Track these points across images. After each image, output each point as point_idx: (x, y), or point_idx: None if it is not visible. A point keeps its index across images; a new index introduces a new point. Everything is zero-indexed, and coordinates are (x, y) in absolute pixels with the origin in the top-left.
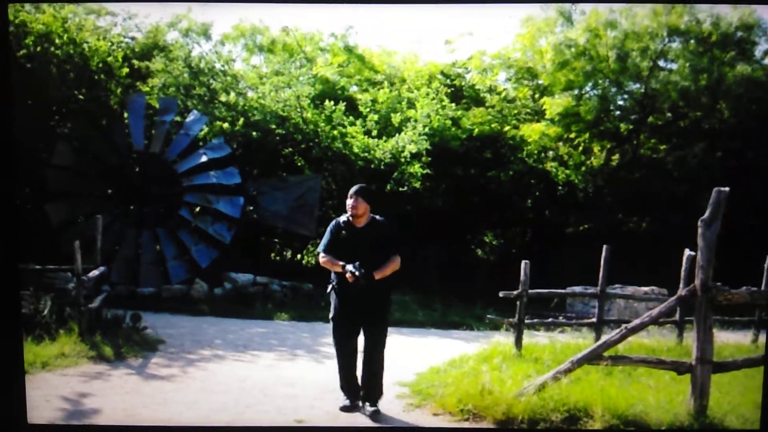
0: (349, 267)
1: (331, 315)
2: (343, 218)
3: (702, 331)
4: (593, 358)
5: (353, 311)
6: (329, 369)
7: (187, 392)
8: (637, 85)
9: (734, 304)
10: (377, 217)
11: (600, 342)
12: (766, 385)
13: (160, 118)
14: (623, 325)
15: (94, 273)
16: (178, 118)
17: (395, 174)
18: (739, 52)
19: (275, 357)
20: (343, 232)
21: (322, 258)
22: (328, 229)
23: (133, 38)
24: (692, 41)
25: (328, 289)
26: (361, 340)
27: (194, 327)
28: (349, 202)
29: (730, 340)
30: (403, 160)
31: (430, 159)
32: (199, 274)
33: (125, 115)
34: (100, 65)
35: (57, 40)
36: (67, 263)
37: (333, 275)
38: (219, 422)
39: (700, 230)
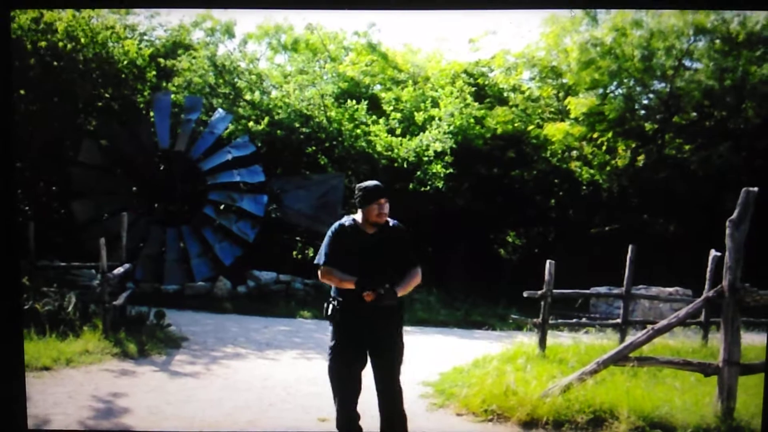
0: (369, 284)
1: (331, 344)
2: (347, 221)
3: (729, 332)
4: (619, 359)
5: (363, 337)
6: None
7: (210, 390)
8: (663, 85)
9: (761, 306)
10: (390, 220)
11: (626, 343)
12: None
13: (185, 116)
14: (650, 326)
15: (119, 270)
16: (203, 117)
17: (418, 173)
18: (766, 50)
19: (298, 355)
20: (349, 239)
21: (325, 272)
22: (328, 235)
23: (158, 37)
24: (718, 40)
25: (329, 311)
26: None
27: (217, 324)
28: (377, 207)
29: (755, 342)
30: (426, 159)
31: (453, 158)
32: (222, 272)
33: (151, 113)
34: (128, 65)
35: (83, 39)
36: (92, 260)
37: (334, 292)
38: (242, 420)
39: (728, 231)
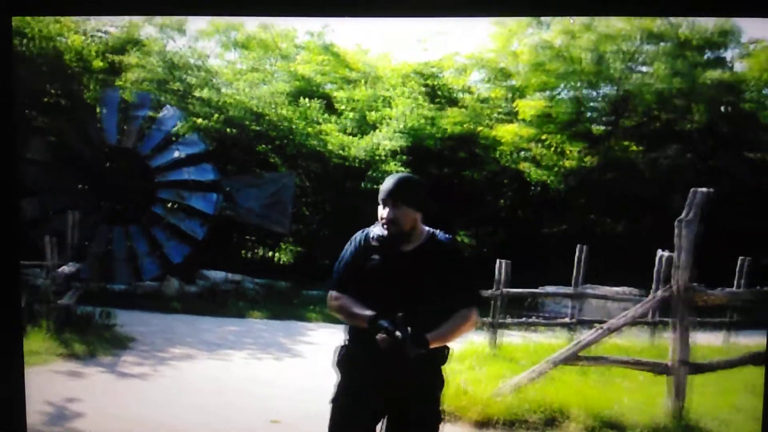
0: (384, 323)
1: (333, 396)
2: (375, 231)
3: (680, 332)
4: (570, 358)
5: (381, 396)
6: (305, 369)
7: (159, 391)
8: (611, 88)
9: (710, 305)
10: (437, 233)
11: (577, 342)
12: None
13: (133, 112)
14: (600, 325)
15: (65, 269)
16: (152, 113)
17: (370, 172)
18: (713, 55)
19: (249, 356)
20: (375, 256)
21: (334, 300)
22: (346, 248)
23: (107, 32)
24: (667, 44)
25: (339, 356)
26: None
27: (166, 324)
28: (383, 211)
29: (701, 341)
30: (378, 158)
31: (405, 157)
32: (171, 271)
33: (98, 109)
34: (75, 59)
35: (29, 33)
36: (38, 259)
37: (347, 332)
38: (193, 422)
39: (677, 231)
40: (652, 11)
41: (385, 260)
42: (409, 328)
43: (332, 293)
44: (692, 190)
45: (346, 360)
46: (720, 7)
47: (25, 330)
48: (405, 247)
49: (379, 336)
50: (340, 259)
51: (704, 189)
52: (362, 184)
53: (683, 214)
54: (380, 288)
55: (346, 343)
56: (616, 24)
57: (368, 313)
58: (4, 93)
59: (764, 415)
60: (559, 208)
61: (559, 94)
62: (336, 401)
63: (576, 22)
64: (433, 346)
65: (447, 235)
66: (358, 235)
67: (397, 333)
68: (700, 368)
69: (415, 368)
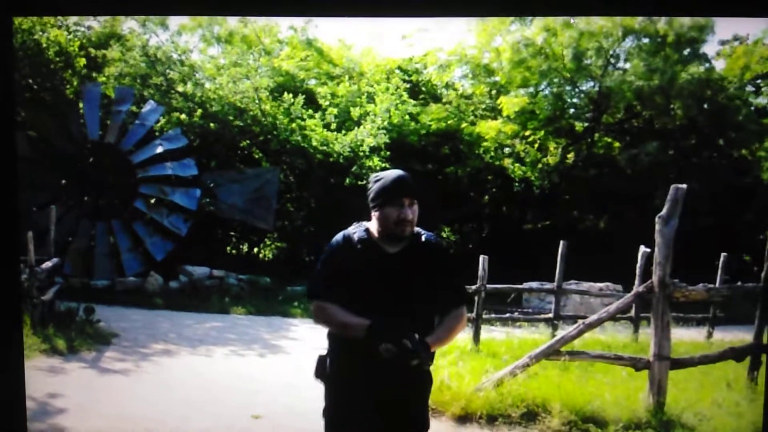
0: (386, 333)
1: (325, 409)
2: (357, 233)
3: (659, 327)
4: (551, 353)
5: (375, 406)
6: (288, 365)
7: (141, 387)
8: (591, 84)
9: (690, 301)
10: (423, 232)
11: (557, 337)
12: None
13: (115, 107)
14: (580, 321)
15: (47, 264)
16: (134, 108)
17: (354, 168)
18: (692, 51)
19: (232, 352)
20: (360, 260)
21: (319, 310)
22: (325, 253)
23: (89, 27)
24: (646, 40)
25: (325, 367)
26: None
27: (148, 320)
28: (397, 212)
29: (684, 337)
30: (362, 153)
31: (388, 153)
32: (153, 267)
33: (80, 104)
34: (57, 55)
35: None
36: (20, 254)
37: (330, 341)
38: (176, 417)
39: (657, 227)
40: (636, 11)
41: (371, 263)
42: (417, 335)
43: (317, 303)
44: (673, 186)
45: (333, 371)
46: (705, 6)
47: (21, 330)
48: (391, 249)
49: (384, 347)
50: (320, 265)
51: (684, 185)
52: (346, 180)
53: (663, 210)
54: (368, 293)
55: (329, 352)
56: (597, 21)
57: (364, 322)
58: (5, 93)
59: (764, 415)
60: (542, 205)
61: (541, 90)
62: (330, 415)
63: (557, 19)
64: (432, 350)
65: (431, 234)
66: (338, 239)
67: (405, 341)
68: (680, 363)
69: (413, 373)
